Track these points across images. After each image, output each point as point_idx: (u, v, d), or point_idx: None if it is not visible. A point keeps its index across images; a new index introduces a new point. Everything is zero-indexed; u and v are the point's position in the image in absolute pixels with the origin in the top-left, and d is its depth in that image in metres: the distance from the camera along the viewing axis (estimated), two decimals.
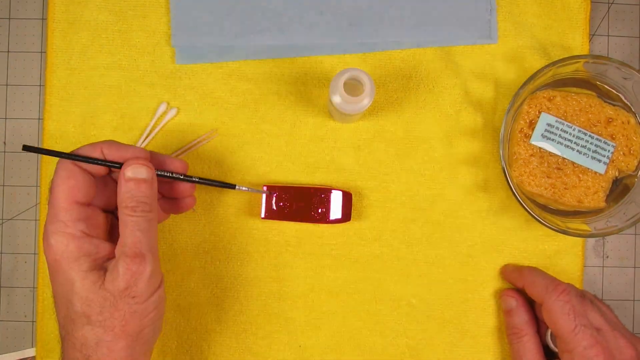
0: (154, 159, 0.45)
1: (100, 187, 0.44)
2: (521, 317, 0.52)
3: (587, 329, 0.46)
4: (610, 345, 0.46)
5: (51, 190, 0.42)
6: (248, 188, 0.51)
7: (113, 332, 0.40)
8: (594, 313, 0.48)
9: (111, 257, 0.42)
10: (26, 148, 0.42)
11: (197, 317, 0.54)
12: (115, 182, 0.45)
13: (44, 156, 0.54)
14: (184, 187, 0.47)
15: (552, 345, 0.51)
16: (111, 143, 0.43)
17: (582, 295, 0.49)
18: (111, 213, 0.45)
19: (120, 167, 0.43)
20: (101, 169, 0.43)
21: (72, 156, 0.42)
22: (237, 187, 0.49)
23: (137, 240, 0.41)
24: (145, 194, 0.42)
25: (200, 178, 0.47)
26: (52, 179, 0.42)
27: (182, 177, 0.46)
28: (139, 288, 0.40)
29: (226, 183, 0.49)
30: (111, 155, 0.43)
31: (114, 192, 0.44)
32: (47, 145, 0.54)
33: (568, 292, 0.48)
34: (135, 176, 0.42)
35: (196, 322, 0.54)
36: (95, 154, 0.42)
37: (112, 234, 0.45)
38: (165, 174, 0.45)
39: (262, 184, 0.54)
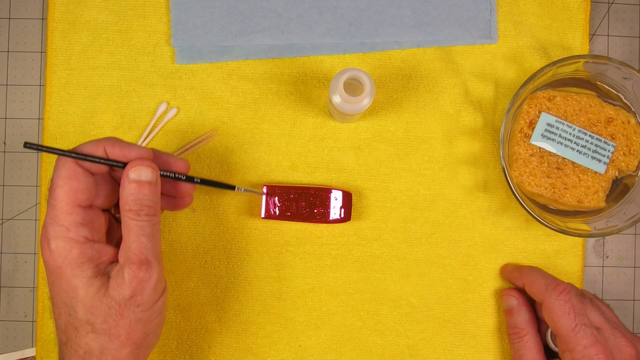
0: (157, 159, 0.44)
1: (99, 185, 0.42)
2: (522, 317, 0.52)
3: (588, 328, 0.46)
4: (610, 344, 0.46)
5: (51, 190, 0.40)
6: (247, 189, 0.50)
7: (118, 340, 0.39)
8: (594, 312, 0.48)
9: (114, 260, 0.41)
10: (28, 145, 0.40)
11: (197, 317, 0.54)
12: (115, 180, 0.44)
13: (44, 156, 0.54)
14: (185, 187, 0.46)
15: (552, 345, 0.51)
16: (114, 141, 0.41)
17: (582, 294, 0.49)
18: (108, 211, 0.44)
19: (123, 167, 0.41)
20: (102, 167, 0.41)
21: (74, 154, 0.40)
22: (236, 188, 0.49)
23: (142, 245, 0.39)
24: (150, 197, 0.40)
25: (201, 179, 0.46)
26: (52, 178, 0.40)
27: (184, 177, 0.45)
28: (145, 296, 0.39)
29: (226, 184, 0.49)
30: (114, 153, 0.41)
31: (112, 191, 0.43)
32: (47, 144, 0.54)
33: (568, 292, 0.48)
34: (139, 178, 0.40)
35: (196, 322, 0.54)
36: (99, 152, 0.40)
37: (110, 233, 0.44)
38: (168, 174, 0.44)
39: (262, 184, 0.54)
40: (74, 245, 0.39)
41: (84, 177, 0.40)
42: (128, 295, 0.39)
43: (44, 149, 0.41)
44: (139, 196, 0.40)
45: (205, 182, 0.47)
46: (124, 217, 0.40)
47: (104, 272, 0.40)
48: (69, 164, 0.40)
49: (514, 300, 0.52)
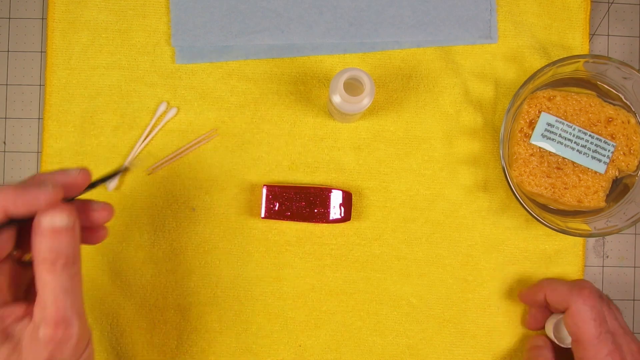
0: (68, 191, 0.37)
1: None
2: (546, 357, 0.51)
3: (609, 335, 0.46)
4: (624, 351, 0.46)
5: None
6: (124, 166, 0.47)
7: None
8: (610, 317, 0.48)
9: (24, 315, 0.35)
10: None
11: (197, 317, 0.54)
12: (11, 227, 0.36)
13: (44, 155, 0.54)
14: (99, 215, 0.39)
15: (552, 337, 0.51)
16: (11, 190, 0.33)
17: (601, 296, 0.49)
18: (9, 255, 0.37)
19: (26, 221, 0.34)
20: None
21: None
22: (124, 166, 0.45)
23: (60, 304, 0.34)
24: (67, 244, 0.34)
25: (98, 179, 0.40)
26: None
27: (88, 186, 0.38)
28: (65, 356, 0.34)
29: (117, 170, 0.42)
30: (17, 207, 0.33)
31: (9, 237, 0.36)
32: (47, 144, 0.54)
33: (593, 296, 0.47)
34: (52, 225, 0.34)
35: (196, 322, 0.54)
36: None
37: (15, 280, 0.37)
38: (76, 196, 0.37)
39: (262, 183, 0.54)
40: None
41: None
42: (45, 358, 0.34)
43: None
44: (55, 245, 0.34)
45: (100, 180, 0.40)
46: (38, 270, 0.34)
47: (11, 336, 0.34)
48: None
49: (541, 341, 0.52)
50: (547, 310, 0.52)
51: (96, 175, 0.54)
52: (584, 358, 0.46)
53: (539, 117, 0.52)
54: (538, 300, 0.52)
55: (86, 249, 0.54)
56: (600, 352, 0.45)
